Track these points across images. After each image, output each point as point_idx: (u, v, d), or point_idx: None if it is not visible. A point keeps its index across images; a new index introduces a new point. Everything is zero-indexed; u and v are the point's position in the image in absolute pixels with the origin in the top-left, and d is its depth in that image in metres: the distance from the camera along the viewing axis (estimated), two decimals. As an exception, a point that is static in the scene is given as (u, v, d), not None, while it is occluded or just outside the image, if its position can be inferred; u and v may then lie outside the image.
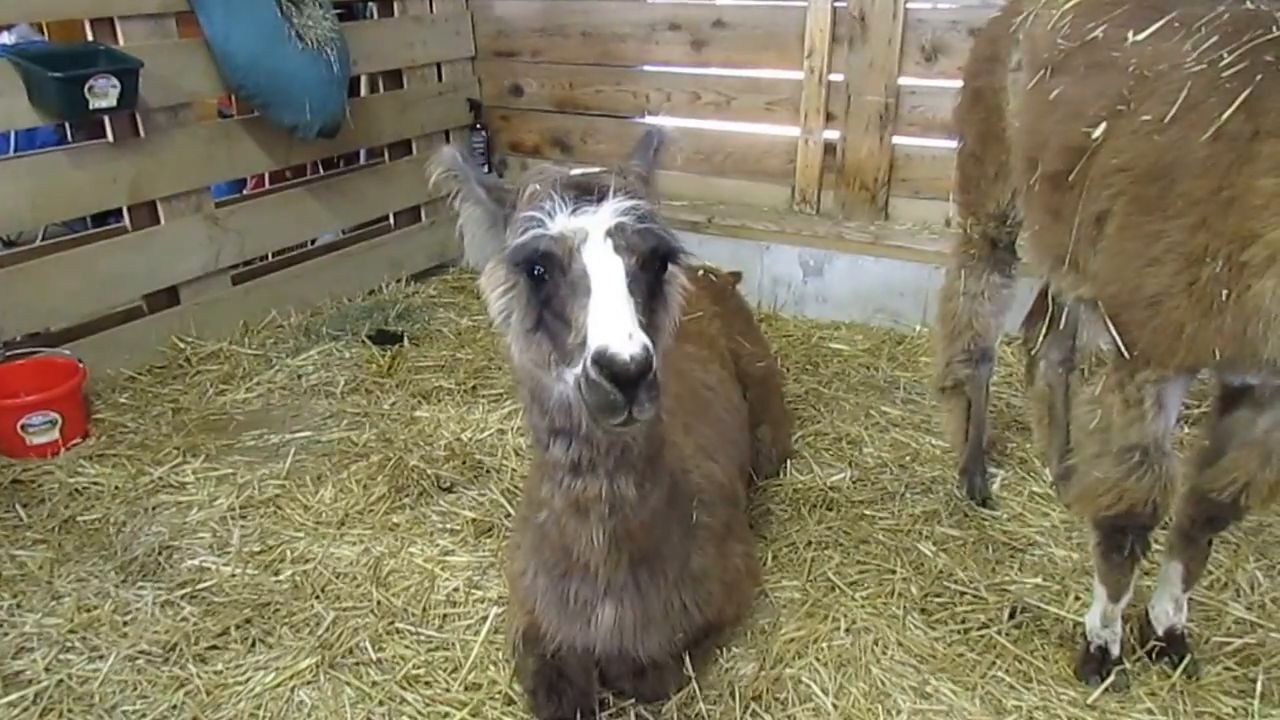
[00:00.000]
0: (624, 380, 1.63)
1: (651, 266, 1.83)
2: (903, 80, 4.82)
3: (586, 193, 1.79)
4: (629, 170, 1.95)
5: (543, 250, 1.76)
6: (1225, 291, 1.95)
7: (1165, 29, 2.24)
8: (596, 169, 1.89)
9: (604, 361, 1.63)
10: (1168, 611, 2.65)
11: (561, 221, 1.76)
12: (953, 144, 3.38)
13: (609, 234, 1.76)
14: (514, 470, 3.63)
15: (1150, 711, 2.50)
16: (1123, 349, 2.23)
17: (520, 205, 1.85)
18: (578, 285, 1.73)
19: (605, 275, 1.72)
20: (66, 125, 4.97)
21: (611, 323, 1.66)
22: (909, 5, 4.69)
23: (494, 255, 1.95)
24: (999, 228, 3.06)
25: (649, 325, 1.77)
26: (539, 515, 2.26)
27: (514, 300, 1.87)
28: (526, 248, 1.77)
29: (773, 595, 2.96)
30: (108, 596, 2.97)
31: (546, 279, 1.78)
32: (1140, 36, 2.27)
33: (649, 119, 5.65)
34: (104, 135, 4.24)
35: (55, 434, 3.77)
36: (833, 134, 5.06)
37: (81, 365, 3.95)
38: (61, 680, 2.63)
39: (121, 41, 4.18)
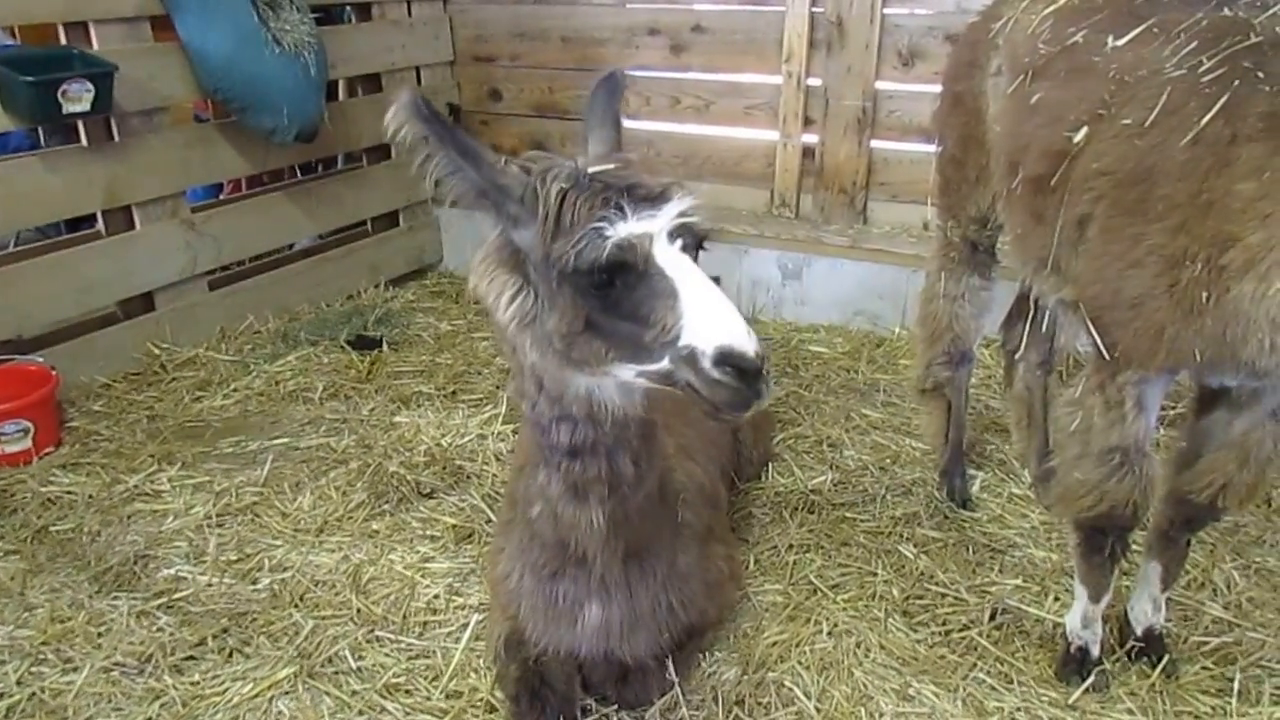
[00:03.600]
0: (751, 374, 1.71)
1: (694, 254, 1.88)
2: (880, 85, 4.85)
3: (636, 198, 1.80)
4: (629, 161, 1.97)
5: (615, 260, 1.76)
6: (1205, 294, 1.97)
7: (1145, 34, 2.26)
8: (611, 164, 1.89)
9: (732, 359, 1.70)
10: (1146, 611, 2.67)
11: (626, 228, 1.77)
12: (930, 148, 3.40)
13: (672, 234, 1.80)
14: (494, 475, 3.61)
15: (1130, 711, 2.51)
16: (1103, 351, 2.24)
17: (548, 203, 1.81)
18: (657, 288, 1.77)
19: (690, 275, 1.78)
20: (39, 130, 4.91)
21: (727, 323, 1.73)
22: (886, 11, 4.72)
23: (493, 248, 1.94)
24: (979, 231, 3.08)
25: None
26: (532, 510, 2.26)
27: (545, 304, 1.87)
28: (595, 258, 1.76)
29: (755, 599, 2.95)
30: (81, 607, 2.92)
31: (615, 284, 1.79)
32: (1120, 42, 2.29)
33: (628, 123, 5.64)
34: (78, 140, 4.19)
35: (28, 442, 3.71)
36: (811, 138, 5.07)
37: (55, 372, 3.90)
38: (34, 693, 2.59)
39: (96, 45, 4.13)
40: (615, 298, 1.80)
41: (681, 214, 1.81)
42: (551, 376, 1.98)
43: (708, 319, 1.73)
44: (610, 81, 2.22)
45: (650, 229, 1.78)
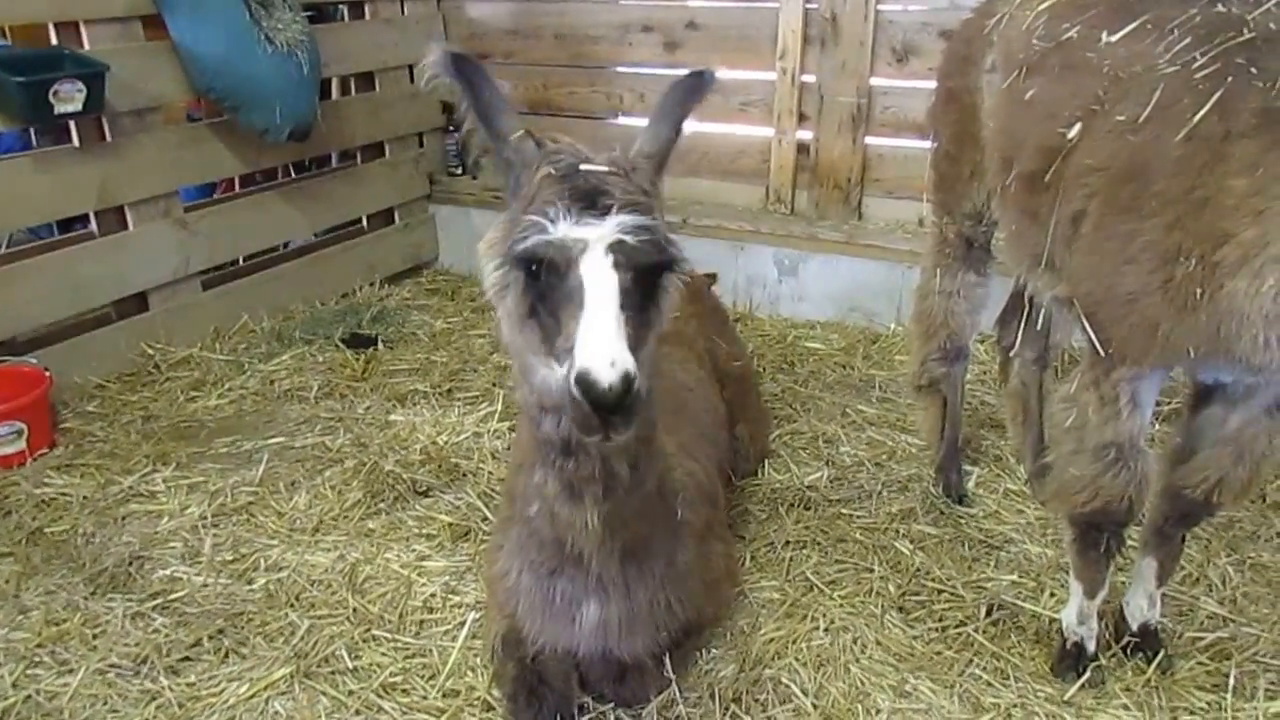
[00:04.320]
0: (601, 405, 1.68)
1: (649, 277, 1.85)
2: (874, 81, 4.85)
3: (592, 203, 1.79)
4: (638, 167, 1.94)
5: (542, 256, 1.78)
6: (1199, 290, 1.97)
7: (1139, 30, 2.25)
8: (606, 166, 1.88)
9: (584, 385, 1.67)
10: (1142, 607, 2.67)
11: (564, 229, 1.77)
12: (925, 144, 3.39)
13: (610, 248, 1.77)
14: (490, 474, 3.61)
15: (1126, 707, 2.52)
16: (1098, 347, 2.24)
17: (531, 185, 1.85)
18: (573, 295, 1.76)
19: (599, 292, 1.74)
20: (31, 130, 4.88)
21: (597, 347, 1.69)
22: (880, 7, 4.72)
23: (507, 216, 1.95)
24: (974, 227, 3.08)
25: (639, 326, 1.81)
26: (529, 509, 2.25)
27: (511, 285, 1.89)
28: (526, 250, 1.79)
29: (752, 596, 2.95)
30: (77, 609, 2.91)
31: (543, 280, 1.80)
32: (1114, 38, 2.29)
33: (622, 120, 5.64)
34: (70, 140, 4.17)
35: (21, 444, 3.70)
36: (806, 134, 5.07)
37: (48, 373, 3.88)
38: (29, 696, 2.58)
39: (87, 45, 4.11)
40: (542, 292, 1.81)
41: (622, 230, 1.77)
42: (520, 357, 2.00)
43: (588, 338, 1.70)
44: (694, 80, 2.13)
45: (587, 236, 1.77)
